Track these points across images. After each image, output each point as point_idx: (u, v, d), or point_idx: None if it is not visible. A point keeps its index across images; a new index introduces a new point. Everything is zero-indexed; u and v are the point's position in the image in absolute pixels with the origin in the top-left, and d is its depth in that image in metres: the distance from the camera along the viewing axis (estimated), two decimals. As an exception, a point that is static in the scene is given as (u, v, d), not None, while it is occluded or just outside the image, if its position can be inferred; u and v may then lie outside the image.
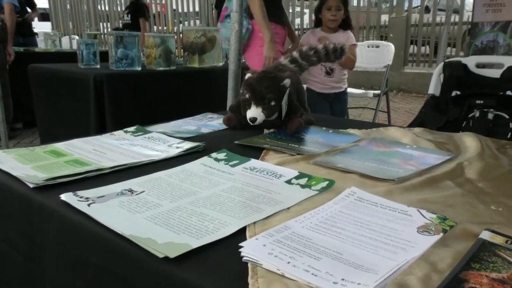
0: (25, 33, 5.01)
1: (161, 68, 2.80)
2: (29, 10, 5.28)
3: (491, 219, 0.66)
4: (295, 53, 1.41)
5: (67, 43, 6.44)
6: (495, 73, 1.93)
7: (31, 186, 0.75)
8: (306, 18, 8.73)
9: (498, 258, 0.53)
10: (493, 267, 0.51)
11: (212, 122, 1.35)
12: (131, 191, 0.74)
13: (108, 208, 0.67)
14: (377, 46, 3.80)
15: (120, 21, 5.51)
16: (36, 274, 0.75)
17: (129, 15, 5.12)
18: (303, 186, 0.78)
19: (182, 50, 3.33)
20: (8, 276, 0.83)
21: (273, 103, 1.14)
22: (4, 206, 0.80)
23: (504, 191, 0.78)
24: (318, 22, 2.84)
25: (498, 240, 0.57)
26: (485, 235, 0.58)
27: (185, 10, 9.14)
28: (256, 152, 0.99)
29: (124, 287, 0.57)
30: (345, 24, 2.78)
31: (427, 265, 0.52)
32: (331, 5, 2.69)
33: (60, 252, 0.68)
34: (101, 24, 10.28)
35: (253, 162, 0.91)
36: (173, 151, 0.99)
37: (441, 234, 0.60)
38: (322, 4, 2.73)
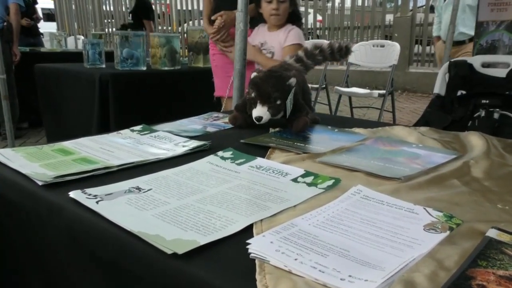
0: (34, 33, 5.03)
1: (166, 68, 2.81)
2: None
3: (498, 218, 0.67)
4: (300, 52, 1.41)
5: (72, 43, 6.48)
6: (501, 73, 1.93)
7: (40, 183, 0.76)
8: (311, 17, 8.73)
9: (504, 255, 0.53)
10: (500, 264, 0.51)
11: (218, 121, 1.35)
12: (138, 188, 0.75)
13: (116, 205, 0.68)
14: (382, 46, 3.80)
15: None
16: (55, 267, 0.76)
17: (131, 15, 5.10)
18: (309, 184, 0.79)
19: (187, 50, 3.34)
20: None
21: (278, 102, 1.15)
22: (15, 203, 0.81)
23: (510, 190, 0.78)
24: (261, 17, 2.25)
25: (505, 238, 0.57)
26: (492, 233, 0.59)
27: (189, 8, 9.16)
28: (262, 151, 1.00)
29: (134, 282, 0.58)
30: (294, 18, 2.19)
31: (434, 263, 0.52)
32: None
33: (72, 247, 0.69)
34: (106, 23, 10.33)
35: (259, 161, 0.91)
36: (180, 150, 0.99)
37: (448, 232, 0.60)
38: None
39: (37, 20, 5.43)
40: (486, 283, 0.47)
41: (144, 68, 2.73)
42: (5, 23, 3.76)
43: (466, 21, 3.46)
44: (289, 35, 2.12)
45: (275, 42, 2.15)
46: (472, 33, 3.37)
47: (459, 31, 3.49)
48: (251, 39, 2.25)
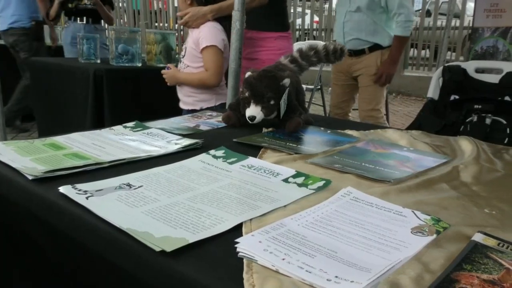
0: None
1: (162, 65, 2.80)
2: None
3: (484, 222, 0.67)
4: (295, 53, 1.42)
5: (67, 38, 6.41)
6: (494, 79, 1.94)
7: (30, 178, 0.76)
8: (307, 18, 8.74)
9: (489, 260, 0.54)
10: (485, 268, 0.52)
11: (211, 120, 1.36)
12: (129, 185, 0.75)
13: (106, 202, 0.67)
14: (378, 49, 3.79)
15: (72, 3, 3.72)
16: (45, 261, 0.75)
17: None
18: (299, 185, 0.79)
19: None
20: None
21: (272, 102, 1.15)
22: (5, 197, 0.80)
23: (498, 195, 0.79)
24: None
25: (490, 242, 0.58)
26: (478, 237, 0.59)
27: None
28: (254, 151, 1.00)
29: (123, 278, 0.58)
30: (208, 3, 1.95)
31: (420, 265, 0.53)
32: None
33: (61, 241, 0.69)
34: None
35: (251, 160, 0.91)
36: (172, 147, 0.99)
37: (435, 235, 0.61)
38: None
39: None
40: (470, 287, 0.48)
41: (139, 65, 2.72)
42: (33, 22, 3.72)
43: (362, 25, 2.65)
44: (202, 34, 1.86)
45: (188, 37, 2.02)
46: (373, 40, 2.66)
47: (353, 36, 2.70)
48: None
